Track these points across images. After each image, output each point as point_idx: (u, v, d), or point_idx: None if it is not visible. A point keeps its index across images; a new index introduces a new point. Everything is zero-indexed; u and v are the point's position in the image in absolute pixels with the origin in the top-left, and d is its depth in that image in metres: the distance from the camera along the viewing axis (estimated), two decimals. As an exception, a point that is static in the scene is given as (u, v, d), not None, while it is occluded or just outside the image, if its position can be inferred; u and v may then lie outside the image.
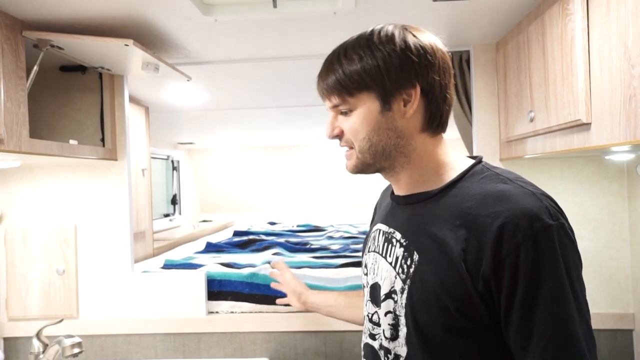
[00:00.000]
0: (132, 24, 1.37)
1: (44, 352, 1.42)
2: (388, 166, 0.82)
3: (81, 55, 1.47)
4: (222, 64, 1.83)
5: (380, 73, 0.77)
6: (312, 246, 2.90)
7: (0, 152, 1.19)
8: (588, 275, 1.64)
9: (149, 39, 1.50)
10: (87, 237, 1.74)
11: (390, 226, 0.87)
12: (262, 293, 1.76)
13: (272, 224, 4.46)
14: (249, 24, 1.42)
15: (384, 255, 0.86)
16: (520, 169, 1.66)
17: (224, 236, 3.61)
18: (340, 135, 0.83)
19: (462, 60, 1.74)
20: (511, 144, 1.56)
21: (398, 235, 0.84)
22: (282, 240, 3.08)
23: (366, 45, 0.79)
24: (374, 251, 0.90)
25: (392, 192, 0.90)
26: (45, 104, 1.67)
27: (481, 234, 0.70)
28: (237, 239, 3.23)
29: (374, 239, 0.92)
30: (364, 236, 1.12)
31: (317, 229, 3.94)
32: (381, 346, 0.85)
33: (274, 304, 1.75)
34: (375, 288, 0.88)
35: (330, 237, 3.34)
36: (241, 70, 1.95)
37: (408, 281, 0.78)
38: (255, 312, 1.74)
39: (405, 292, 0.78)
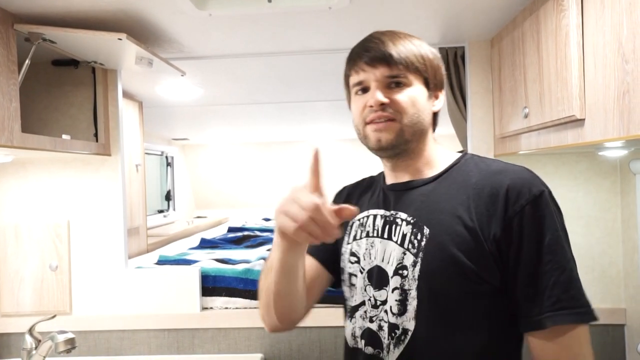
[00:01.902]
0: (126, 17, 1.36)
1: (36, 348, 1.42)
2: (413, 148, 0.90)
3: (74, 49, 1.46)
4: (217, 59, 1.82)
5: (433, 67, 0.90)
6: (307, 242, 2.90)
7: (-8, 147, 1.18)
8: (580, 270, 1.65)
9: (142, 33, 1.48)
10: (80, 233, 1.73)
11: (390, 209, 0.91)
12: (256, 289, 1.75)
13: (267, 220, 4.46)
14: (244, 19, 1.41)
15: (387, 237, 0.89)
16: (514, 165, 1.68)
17: (219, 232, 3.61)
18: (387, 105, 0.86)
19: (457, 56, 1.74)
20: (505, 140, 1.56)
21: (403, 215, 0.89)
22: (276, 236, 3.08)
23: (422, 42, 0.90)
24: (367, 237, 0.92)
25: (384, 183, 0.96)
26: (37, 99, 1.65)
27: (489, 202, 0.81)
28: (231, 235, 3.22)
29: (363, 226, 0.94)
30: None
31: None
32: (383, 326, 0.87)
33: (269, 299, 1.75)
34: (374, 272, 0.90)
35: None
36: (236, 65, 1.94)
37: (420, 254, 0.84)
38: (250, 308, 1.74)
39: (418, 264, 0.83)
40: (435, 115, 0.92)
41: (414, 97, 0.86)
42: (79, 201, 1.73)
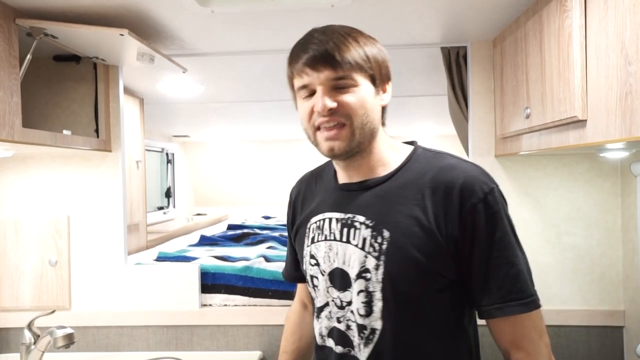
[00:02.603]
0: (127, 13, 1.35)
1: (35, 343, 1.42)
2: (364, 148, 0.89)
3: (75, 44, 1.45)
4: (218, 57, 1.81)
5: (378, 62, 0.88)
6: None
7: (-7, 141, 1.18)
8: (579, 271, 1.66)
9: (144, 29, 1.48)
10: (80, 229, 1.73)
11: (346, 212, 0.91)
12: (255, 286, 1.76)
13: (267, 218, 4.45)
14: (246, 16, 1.41)
15: (345, 240, 0.90)
16: (514, 166, 1.67)
17: (218, 230, 3.61)
18: (335, 110, 0.83)
19: (459, 56, 1.74)
20: (507, 140, 1.56)
21: (361, 218, 0.89)
22: (276, 234, 3.08)
23: (363, 35, 0.88)
24: (325, 240, 0.93)
25: (336, 182, 0.96)
26: (38, 94, 1.65)
27: (444, 200, 0.83)
28: (231, 232, 3.22)
29: (320, 229, 0.94)
30: None
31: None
32: (351, 326, 0.90)
33: (268, 297, 1.75)
34: (335, 275, 0.91)
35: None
36: (237, 63, 1.94)
37: (382, 257, 0.85)
38: (249, 305, 1.74)
39: (381, 267, 0.85)
40: (383, 109, 0.92)
41: (362, 97, 0.84)
42: (79, 197, 1.73)
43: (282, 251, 2.44)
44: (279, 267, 1.81)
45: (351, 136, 0.84)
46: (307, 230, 0.98)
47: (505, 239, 0.84)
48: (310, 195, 1.02)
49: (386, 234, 0.85)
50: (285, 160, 4.74)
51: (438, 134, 4.39)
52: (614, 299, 1.65)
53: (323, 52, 0.82)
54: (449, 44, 1.72)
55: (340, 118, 0.84)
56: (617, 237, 1.65)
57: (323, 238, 0.93)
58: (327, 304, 0.94)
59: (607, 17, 0.96)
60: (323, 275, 0.94)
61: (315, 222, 0.96)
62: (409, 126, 3.90)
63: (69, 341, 1.37)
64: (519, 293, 0.83)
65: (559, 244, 1.67)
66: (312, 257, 0.96)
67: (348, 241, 0.89)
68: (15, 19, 1.26)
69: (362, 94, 0.84)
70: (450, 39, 1.68)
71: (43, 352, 1.41)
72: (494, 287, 0.84)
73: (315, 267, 0.95)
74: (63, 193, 1.74)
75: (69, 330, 1.38)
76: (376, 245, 0.86)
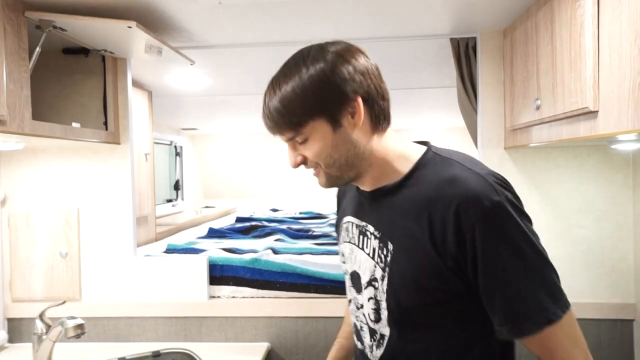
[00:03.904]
0: (135, 5, 1.35)
1: (47, 333, 1.44)
2: (354, 174, 0.88)
3: (84, 37, 1.46)
4: (226, 49, 1.81)
5: (320, 99, 0.81)
6: (314, 233, 2.90)
7: (3, 134, 1.19)
8: (590, 264, 1.64)
9: (152, 21, 1.48)
10: (90, 221, 1.75)
11: (362, 220, 0.94)
12: (263, 279, 1.76)
13: (275, 210, 4.46)
14: (254, 8, 1.40)
15: (360, 246, 0.93)
16: (524, 158, 1.66)
17: (227, 222, 3.62)
18: (304, 162, 0.87)
19: (469, 47, 1.72)
20: (516, 132, 1.54)
21: (371, 228, 0.91)
22: (284, 227, 3.09)
23: (298, 75, 0.82)
24: (349, 242, 0.97)
25: (357, 187, 0.96)
26: (47, 87, 1.66)
27: (442, 219, 0.79)
28: (239, 225, 3.23)
29: (347, 230, 0.98)
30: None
31: (319, 217, 3.94)
32: (367, 327, 0.93)
33: (276, 289, 1.76)
34: (354, 276, 0.95)
35: (332, 225, 3.34)
36: (245, 55, 1.93)
37: (387, 269, 0.86)
38: (257, 297, 1.75)
39: (386, 279, 0.86)
40: (374, 119, 0.84)
41: (319, 147, 0.83)
42: (88, 189, 1.75)
43: (290, 244, 2.44)
44: (286, 259, 1.81)
45: (327, 175, 0.87)
46: (340, 228, 1.03)
47: (509, 257, 0.77)
48: (344, 195, 1.06)
49: (390, 246, 0.86)
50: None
51: (448, 127, 4.36)
52: (625, 292, 1.64)
53: (269, 125, 0.85)
54: (459, 34, 1.70)
55: (311, 165, 0.87)
56: (629, 230, 1.64)
57: (348, 240, 0.97)
58: (350, 301, 0.99)
59: (620, 6, 0.94)
60: (346, 274, 0.99)
61: (344, 223, 1.00)
62: (418, 118, 3.87)
63: (80, 331, 1.39)
64: (517, 316, 0.77)
65: (570, 237, 1.65)
66: (342, 254, 1.01)
67: (363, 248, 0.92)
68: (25, 12, 1.27)
69: (319, 144, 0.83)
70: (459, 30, 1.66)
71: (54, 341, 1.43)
72: (495, 309, 0.79)
73: (344, 264, 1.01)
74: (73, 185, 1.75)
75: (80, 321, 1.39)
76: (382, 256, 0.87)
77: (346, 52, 0.83)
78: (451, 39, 1.72)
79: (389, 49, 1.88)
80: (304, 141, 0.84)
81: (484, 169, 0.82)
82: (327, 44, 0.85)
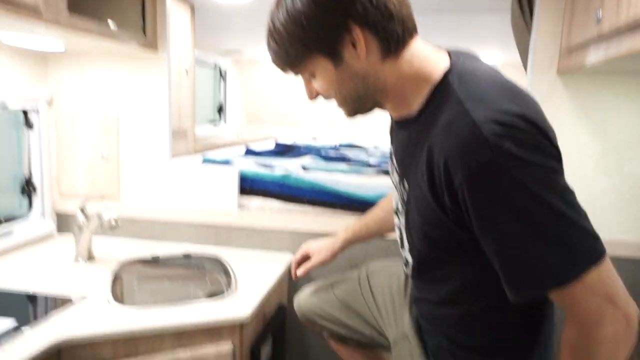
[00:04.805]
0: None
1: (87, 223, 1.54)
2: (372, 104, 0.84)
3: None
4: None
5: (312, 36, 0.75)
6: (350, 157, 2.88)
7: (39, 25, 1.20)
8: (637, 201, 1.54)
9: None
10: (128, 126, 1.81)
11: (392, 147, 0.95)
12: (292, 194, 1.78)
13: (315, 138, 4.45)
14: None
15: (392, 172, 0.97)
16: (579, 85, 1.53)
17: (266, 146, 3.65)
18: (320, 95, 0.86)
19: (530, -43, 1.54)
20: (572, 53, 1.41)
21: (396, 162, 0.91)
22: (321, 152, 3.08)
23: (286, 13, 0.76)
24: (392, 162, 0.98)
25: None
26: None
27: (438, 171, 0.72)
28: (277, 149, 3.25)
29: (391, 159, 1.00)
30: None
31: (358, 147, 3.90)
32: (399, 247, 0.99)
33: (304, 203, 1.77)
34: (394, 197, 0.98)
35: (370, 154, 3.30)
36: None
37: (405, 206, 0.87)
38: (285, 210, 1.78)
39: (404, 216, 0.88)
40: (382, 44, 0.76)
41: (323, 83, 0.81)
42: (128, 96, 1.79)
43: (323, 164, 2.43)
44: (317, 178, 1.81)
45: (343, 106, 0.85)
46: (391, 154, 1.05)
47: (503, 222, 0.67)
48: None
49: (406, 185, 0.85)
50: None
51: (503, 62, 4.09)
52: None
53: (275, 63, 0.83)
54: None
55: (327, 99, 0.85)
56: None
57: (392, 163, 0.99)
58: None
59: None
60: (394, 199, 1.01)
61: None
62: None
63: (115, 224, 1.48)
64: (522, 278, 0.70)
65: (618, 171, 1.54)
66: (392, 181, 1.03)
67: (392, 175, 0.96)
68: None
69: (324, 81, 0.81)
70: None
71: (92, 232, 1.53)
72: (498, 268, 0.72)
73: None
74: (113, 91, 1.80)
75: (114, 214, 1.48)
76: (403, 192, 0.87)
77: None
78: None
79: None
80: (313, 75, 0.83)
81: (489, 109, 0.67)
82: None
